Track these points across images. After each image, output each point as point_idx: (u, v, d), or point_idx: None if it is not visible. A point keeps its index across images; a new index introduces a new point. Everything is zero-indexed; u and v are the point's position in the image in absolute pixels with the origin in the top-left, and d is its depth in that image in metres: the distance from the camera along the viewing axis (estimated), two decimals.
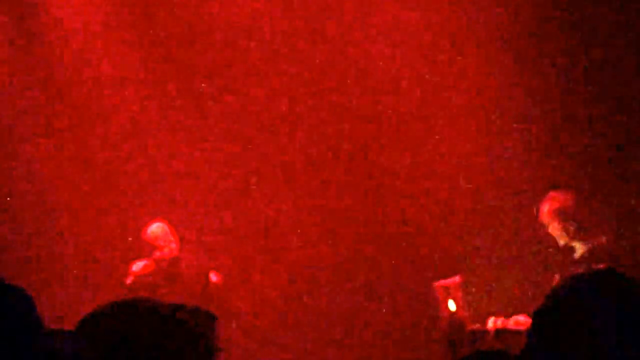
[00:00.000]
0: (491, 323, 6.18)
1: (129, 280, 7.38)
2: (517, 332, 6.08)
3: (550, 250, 6.43)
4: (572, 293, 1.99)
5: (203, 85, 8.40)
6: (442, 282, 6.28)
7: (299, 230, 8.27)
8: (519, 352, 2.29)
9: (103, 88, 8.54)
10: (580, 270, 5.80)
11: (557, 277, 6.13)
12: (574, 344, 1.93)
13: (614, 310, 1.93)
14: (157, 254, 7.44)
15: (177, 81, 8.46)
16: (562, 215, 6.14)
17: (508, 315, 6.23)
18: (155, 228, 7.50)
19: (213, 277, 7.48)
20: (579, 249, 6.15)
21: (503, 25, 7.58)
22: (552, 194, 6.27)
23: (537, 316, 2.07)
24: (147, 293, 7.28)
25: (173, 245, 7.49)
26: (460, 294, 6.21)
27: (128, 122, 8.54)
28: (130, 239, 7.83)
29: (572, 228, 6.13)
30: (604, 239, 6.13)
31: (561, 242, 6.24)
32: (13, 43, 8.59)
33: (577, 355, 1.93)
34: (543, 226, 6.27)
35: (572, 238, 6.15)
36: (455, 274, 6.48)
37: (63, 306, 8.16)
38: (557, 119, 7.49)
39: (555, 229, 6.19)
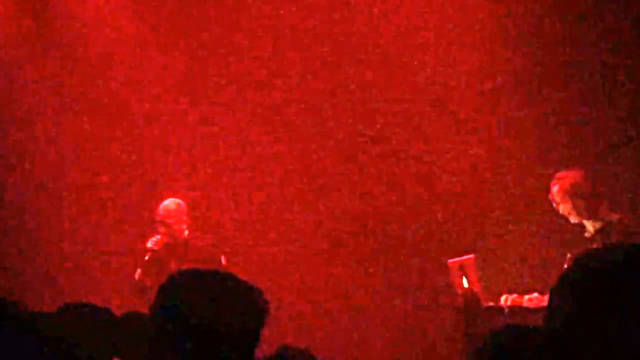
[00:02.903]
0: (504, 300, 6.25)
1: (145, 257, 7.44)
2: (529, 309, 6.14)
3: (562, 228, 6.45)
4: (591, 266, 1.97)
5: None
6: (457, 260, 6.33)
7: (314, 214, 8.32)
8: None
9: (128, 76, 8.63)
10: (593, 247, 5.89)
11: (569, 255, 6.16)
12: (595, 318, 1.91)
13: (635, 285, 1.89)
14: (170, 230, 7.48)
15: (202, 71, 8.54)
16: (572, 193, 6.14)
17: (521, 293, 6.30)
18: (170, 205, 7.55)
19: (224, 260, 7.49)
20: (591, 227, 6.17)
21: (521, 21, 7.63)
22: (561, 173, 6.27)
23: (556, 289, 2.06)
24: (161, 270, 7.36)
25: (184, 226, 7.53)
26: (474, 271, 6.27)
27: (151, 108, 8.62)
28: (146, 216, 7.92)
29: (582, 206, 6.14)
30: (615, 216, 6.15)
31: (572, 220, 6.25)
32: (37, 43, 8.69)
33: (597, 329, 1.91)
34: (554, 205, 6.29)
35: (583, 216, 6.17)
36: (469, 252, 6.54)
37: (85, 281, 8.30)
38: (568, 102, 7.53)
39: (566, 208, 6.20)
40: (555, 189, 6.21)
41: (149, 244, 7.45)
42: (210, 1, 8.57)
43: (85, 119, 8.74)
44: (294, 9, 8.30)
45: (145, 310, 2.92)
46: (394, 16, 8.05)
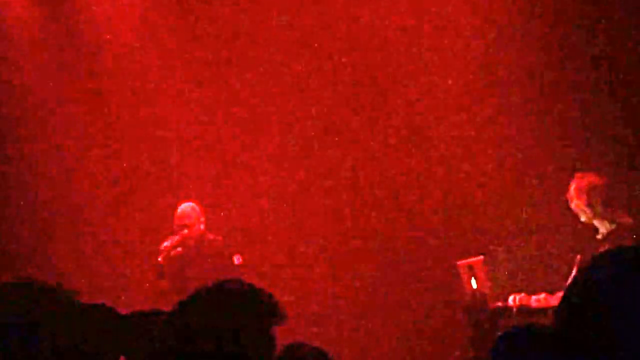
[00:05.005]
0: (512, 300, 6.25)
1: (160, 258, 7.48)
2: (537, 310, 6.15)
3: (572, 230, 6.44)
4: (607, 268, 1.97)
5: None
6: (466, 261, 6.35)
7: (325, 214, 8.33)
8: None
9: (140, 76, 8.67)
10: (603, 249, 5.89)
11: (578, 257, 6.16)
12: (608, 320, 1.92)
13: None
14: (186, 231, 7.55)
15: (214, 68, 8.57)
16: (588, 192, 6.13)
17: (529, 293, 6.30)
18: (187, 207, 7.63)
19: (236, 259, 7.55)
20: (603, 228, 6.16)
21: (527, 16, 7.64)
22: (580, 173, 6.28)
23: (570, 290, 2.06)
24: (176, 270, 7.41)
25: (201, 226, 7.61)
26: (483, 272, 6.28)
27: (166, 109, 8.65)
28: (158, 219, 7.97)
29: (597, 206, 6.13)
30: (628, 220, 6.12)
31: (583, 219, 6.22)
32: (53, 39, 8.74)
33: (606, 331, 1.90)
34: (569, 203, 6.26)
35: (597, 216, 6.15)
36: (478, 253, 6.55)
37: (102, 284, 8.32)
38: (582, 105, 7.53)
39: (579, 205, 6.18)
40: (573, 186, 6.22)
41: (162, 247, 7.50)
42: (227, 7, 8.58)
43: (100, 121, 8.78)
44: (307, 10, 8.32)
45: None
46: (408, 18, 8.07)
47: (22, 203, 8.88)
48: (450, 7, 7.94)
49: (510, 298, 6.27)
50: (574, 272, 6.15)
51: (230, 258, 7.51)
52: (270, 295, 2.52)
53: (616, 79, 7.41)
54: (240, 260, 7.53)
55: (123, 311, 3.12)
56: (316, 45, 8.33)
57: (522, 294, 6.28)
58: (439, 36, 7.98)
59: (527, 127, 7.72)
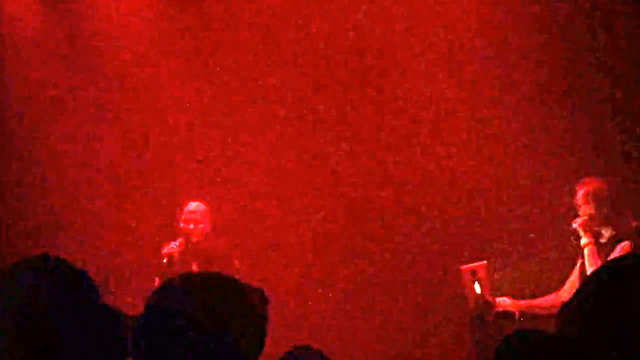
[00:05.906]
0: (498, 304, 6.27)
1: (165, 259, 7.48)
2: (540, 314, 6.16)
3: (575, 234, 6.44)
4: (614, 276, 1.98)
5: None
6: (469, 265, 6.35)
7: (325, 216, 8.35)
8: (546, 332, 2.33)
9: (144, 71, 8.69)
10: (604, 253, 5.92)
11: (580, 260, 6.18)
12: (613, 325, 1.94)
13: None
14: (192, 226, 7.56)
15: (220, 68, 8.59)
16: (595, 198, 6.14)
17: (532, 298, 6.32)
18: (197, 204, 7.66)
19: (236, 262, 7.55)
20: (607, 233, 6.16)
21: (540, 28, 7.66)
22: (586, 179, 6.28)
23: (575, 295, 2.07)
24: (179, 272, 7.38)
25: (201, 226, 7.60)
26: (486, 277, 6.28)
27: (171, 109, 8.68)
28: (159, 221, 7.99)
29: (603, 211, 6.13)
30: (632, 225, 6.11)
31: (592, 225, 6.20)
32: (60, 42, 8.79)
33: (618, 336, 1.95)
34: (577, 209, 6.25)
35: (602, 222, 6.15)
36: (481, 258, 6.55)
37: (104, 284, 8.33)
38: (587, 109, 7.53)
39: (586, 211, 6.17)
40: (580, 192, 6.22)
41: (165, 250, 7.50)
42: (233, 9, 8.62)
43: (102, 122, 8.80)
44: (311, 12, 8.36)
45: None
46: (411, 20, 8.09)
47: (24, 204, 8.90)
48: (452, 8, 7.96)
49: (498, 300, 6.27)
50: (575, 273, 6.18)
51: (230, 261, 7.50)
52: (253, 289, 2.48)
53: (619, 81, 7.42)
54: (240, 264, 7.53)
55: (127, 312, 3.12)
56: (317, 46, 8.34)
57: (506, 298, 6.29)
58: (440, 37, 8.00)
59: (530, 131, 7.73)
